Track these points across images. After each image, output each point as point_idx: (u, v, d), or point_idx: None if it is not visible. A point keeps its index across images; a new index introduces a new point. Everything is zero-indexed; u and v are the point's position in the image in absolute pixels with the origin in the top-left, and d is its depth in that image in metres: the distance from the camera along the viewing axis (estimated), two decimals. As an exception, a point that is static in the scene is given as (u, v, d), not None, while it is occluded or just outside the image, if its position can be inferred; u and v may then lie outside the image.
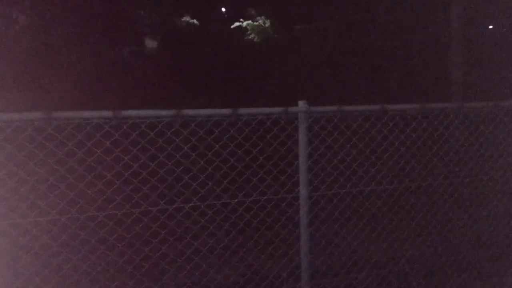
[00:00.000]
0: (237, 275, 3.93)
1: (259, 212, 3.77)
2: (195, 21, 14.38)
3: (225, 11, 15.79)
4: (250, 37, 14.19)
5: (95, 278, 3.63)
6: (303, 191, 3.48)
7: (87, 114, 2.95)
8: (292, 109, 3.42)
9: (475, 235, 4.62)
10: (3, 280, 3.70)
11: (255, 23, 14.24)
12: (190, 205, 3.59)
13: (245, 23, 14.22)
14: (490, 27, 13.93)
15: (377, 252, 4.42)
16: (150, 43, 13.92)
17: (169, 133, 3.38)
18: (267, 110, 3.43)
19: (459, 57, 9.41)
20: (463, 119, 4.28)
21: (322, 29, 13.42)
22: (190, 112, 3.16)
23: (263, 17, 14.34)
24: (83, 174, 3.37)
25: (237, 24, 14.26)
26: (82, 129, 3.14)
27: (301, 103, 3.45)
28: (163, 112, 3.11)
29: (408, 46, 12.09)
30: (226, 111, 3.26)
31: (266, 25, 14.30)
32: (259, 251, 4.02)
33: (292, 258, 3.78)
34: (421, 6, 12.11)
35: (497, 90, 11.07)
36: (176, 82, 11.87)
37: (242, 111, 3.30)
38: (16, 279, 3.54)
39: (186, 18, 14.30)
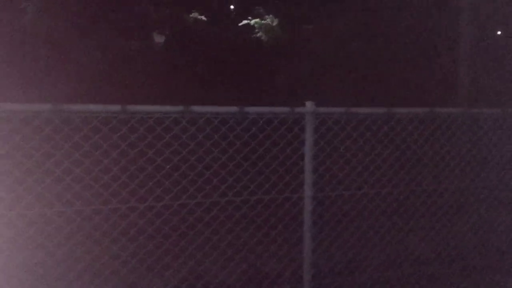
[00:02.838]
0: (239, 272, 3.94)
1: (263, 210, 3.77)
2: (203, 17, 14.38)
3: (233, 9, 15.79)
4: (257, 35, 14.17)
5: (99, 271, 3.64)
6: (307, 191, 3.47)
7: (95, 107, 2.96)
8: (299, 109, 3.41)
9: (478, 240, 4.62)
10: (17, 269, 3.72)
11: (263, 21, 14.22)
12: (194, 201, 3.60)
13: (253, 21, 14.21)
14: (499, 32, 13.86)
15: (380, 254, 4.42)
16: (158, 38, 13.94)
17: (176, 129, 3.39)
18: (274, 109, 3.44)
19: (467, 61, 9.38)
20: (470, 124, 4.27)
21: (330, 30, 13.39)
22: (197, 108, 3.16)
23: (271, 15, 14.32)
24: (89, 167, 3.38)
25: (245, 22, 14.25)
26: (89, 122, 3.15)
27: (308, 104, 3.45)
28: (171, 108, 3.11)
29: (416, 49, 12.04)
30: (233, 109, 3.26)
31: (274, 23, 14.28)
32: (262, 249, 4.03)
33: (294, 258, 3.78)
34: (430, 9, 12.07)
35: (506, 96, 11.02)
36: (183, 78, 11.89)
37: (249, 109, 3.30)
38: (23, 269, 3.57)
39: (195, 14, 14.31)
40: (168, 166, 3.49)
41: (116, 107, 2.94)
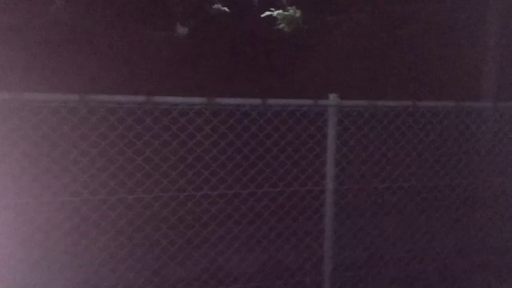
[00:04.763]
0: (260, 264, 3.97)
1: (285, 203, 3.78)
2: (226, 8, 14.38)
3: (256, 0, 15.74)
4: (280, 27, 14.10)
5: (123, 259, 3.71)
6: (329, 184, 3.47)
7: (121, 98, 3.01)
8: (322, 102, 3.40)
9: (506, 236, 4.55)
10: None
11: (285, 12, 14.14)
12: (217, 192, 3.63)
13: (275, 13, 14.12)
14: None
15: (401, 248, 4.39)
16: (182, 30, 13.99)
17: (199, 120, 3.41)
18: (297, 101, 3.43)
19: (494, 54, 9.19)
20: (497, 118, 4.19)
21: (354, 21, 13.24)
22: (221, 100, 3.18)
23: (294, 7, 14.22)
24: (114, 157, 3.43)
25: (267, 13, 14.18)
26: (115, 112, 3.20)
27: (331, 96, 3.43)
28: (195, 100, 3.14)
29: (442, 42, 11.83)
30: (256, 101, 3.27)
31: (297, 15, 14.18)
32: (283, 241, 4.05)
33: (315, 251, 3.79)
34: (457, 1, 11.82)
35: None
36: (205, 69, 11.93)
37: (272, 101, 3.30)
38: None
39: (218, 6, 14.31)
40: (191, 157, 3.52)
41: (141, 98, 2.98)
